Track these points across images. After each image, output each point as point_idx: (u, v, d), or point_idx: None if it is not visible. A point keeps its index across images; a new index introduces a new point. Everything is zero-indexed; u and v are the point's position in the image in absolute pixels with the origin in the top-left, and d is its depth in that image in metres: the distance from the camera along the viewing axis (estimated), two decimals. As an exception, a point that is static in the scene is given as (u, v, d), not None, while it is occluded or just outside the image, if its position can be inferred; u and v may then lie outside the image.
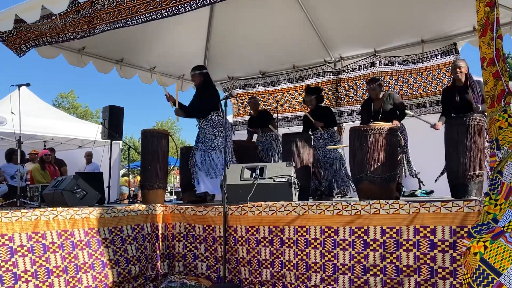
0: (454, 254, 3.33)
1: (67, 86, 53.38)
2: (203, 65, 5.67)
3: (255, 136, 7.06)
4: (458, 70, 4.77)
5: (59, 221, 3.97)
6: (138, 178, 13.26)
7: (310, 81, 7.87)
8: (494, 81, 3.06)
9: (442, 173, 4.64)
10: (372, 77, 6.07)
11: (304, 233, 3.95)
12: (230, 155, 5.37)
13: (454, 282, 3.30)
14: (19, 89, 5.89)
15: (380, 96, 5.44)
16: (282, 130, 7.07)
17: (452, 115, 4.90)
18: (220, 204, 4.52)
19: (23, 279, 3.60)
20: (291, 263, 3.98)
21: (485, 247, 2.76)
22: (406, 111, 5.38)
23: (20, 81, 5.78)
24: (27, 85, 5.87)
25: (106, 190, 6.51)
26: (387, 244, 3.57)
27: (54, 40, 5.56)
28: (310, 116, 6.05)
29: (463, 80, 4.78)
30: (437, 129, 4.97)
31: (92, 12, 4.87)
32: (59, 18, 4.83)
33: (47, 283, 3.72)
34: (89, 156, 9.34)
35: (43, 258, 3.76)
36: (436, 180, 4.74)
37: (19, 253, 3.65)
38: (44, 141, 10.23)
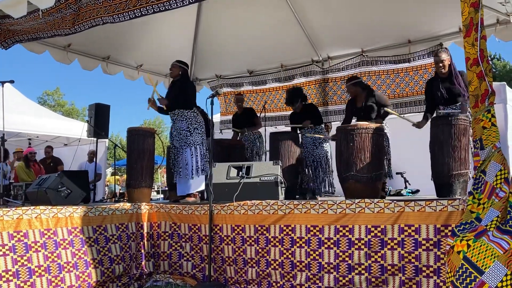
0: (438, 253, 3.35)
1: (52, 83, 52.87)
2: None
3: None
4: (441, 64, 4.78)
5: (42, 220, 3.91)
6: (125, 176, 13.12)
7: (297, 81, 7.88)
8: (478, 81, 3.08)
9: None
10: (350, 77, 6.08)
11: (290, 232, 3.94)
12: (205, 151, 5.33)
13: (438, 281, 3.33)
14: (2, 86, 5.79)
15: (362, 94, 5.44)
16: (269, 129, 7.05)
17: (439, 108, 4.90)
18: (206, 203, 4.50)
19: (4, 279, 3.54)
20: (277, 262, 3.98)
21: (468, 246, 2.78)
22: (386, 109, 5.33)
23: (4, 78, 5.74)
24: (11, 82, 5.78)
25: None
26: (372, 243, 3.58)
27: (39, 36, 5.50)
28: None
29: (446, 71, 4.79)
30: (419, 128, 4.98)
31: (77, 9, 4.82)
32: (41, 14, 4.76)
33: (28, 283, 3.66)
34: (92, 155, 8.96)
35: (25, 258, 3.70)
36: None
37: (0, 252, 3.58)
38: (29, 139, 10.09)
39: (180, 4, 4.35)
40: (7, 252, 3.62)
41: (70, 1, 4.72)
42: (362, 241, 3.62)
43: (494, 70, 25.50)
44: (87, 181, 6.11)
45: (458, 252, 2.82)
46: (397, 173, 6.86)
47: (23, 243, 3.73)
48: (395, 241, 3.52)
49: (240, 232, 4.20)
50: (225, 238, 4.28)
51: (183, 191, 5.26)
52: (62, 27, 5.12)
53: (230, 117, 8.53)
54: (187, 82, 5.53)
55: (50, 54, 6.56)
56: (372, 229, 3.60)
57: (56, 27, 5.17)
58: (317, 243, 3.80)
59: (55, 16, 4.96)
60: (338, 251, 3.70)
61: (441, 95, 4.78)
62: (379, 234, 3.57)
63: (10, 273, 3.58)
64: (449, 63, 4.78)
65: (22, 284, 3.63)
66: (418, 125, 5.01)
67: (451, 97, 4.73)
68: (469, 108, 4.47)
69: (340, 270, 3.67)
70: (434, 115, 4.92)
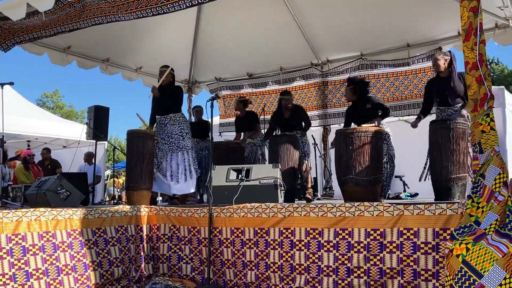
0: (437, 256, 3.35)
1: (52, 85, 52.85)
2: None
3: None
4: (437, 61, 4.84)
5: (42, 222, 3.90)
6: (122, 179, 13.02)
7: (297, 83, 7.91)
8: (477, 85, 3.10)
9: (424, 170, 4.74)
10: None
11: (289, 235, 3.94)
12: (194, 156, 5.71)
13: (437, 284, 3.33)
14: (2, 88, 5.78)
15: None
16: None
17: (437, 109, 4.98)
18: (205, 205, 4.51)
19: (0, 282, 3.52)
20: (276, 265, 3.98)
21: (467, 249, 2.79)
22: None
23: (3, 79, 5.67)
24: (11, 84, 5.77)
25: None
26: (371, 246, 3.59)
27: (41, 35, 5.42)
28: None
29: (443, 70, 4.82)
30: (415, 126, 5.07)
31: (82, 8, 4.80)
32: (44, 15, 4.74)
33: (26, 286, 3.64)
34: (87, 156, 8.76)
35: (22, 261, 3.67)
36: (420, 179, 4.82)
37: (-3, 256, 3.57)
38: (28, 141, 10.08)
39: (178, 7, 4.35)
40: (4, 255, 3.60)
41: (74, 1, 4.69)
42: (362, 244, 3.62)
43: (492, 74, 25.59)
44: (86, 183, 6.11)
45: (457, 256, 2.82)
46: (396, 177, 6.86)
47: (20, 246, 3.71)
48: (394, 245, 3.52)
49: (240, 235, 4.20)
50: (224, 240, 4.28)
51: (168, 191, 5.59)
52: (67, 23, 5.07)
53: (229, 120, 8.54)
54: (177, 86, 5.87)
55: (48, 56, 6.46)
56: (372, 232, 3.60)
57: (60, 23, 5.11)
58: (317, 246, 3.80)
59: (59, 14, 4.92)
60: (337, 254, 3.70)
61: (438, 94, 4.83)
62: (378, 237, 3.58)
63: (6, 276, 3.56)
64: (446, 63, 4.79)
65: (19, 287, 3.61)
66: (414, 124, 5.10)
67: (446, 98, 4.76)
68: (466, 112, 4.51)
69: (339, 273, 3.67)
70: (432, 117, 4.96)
